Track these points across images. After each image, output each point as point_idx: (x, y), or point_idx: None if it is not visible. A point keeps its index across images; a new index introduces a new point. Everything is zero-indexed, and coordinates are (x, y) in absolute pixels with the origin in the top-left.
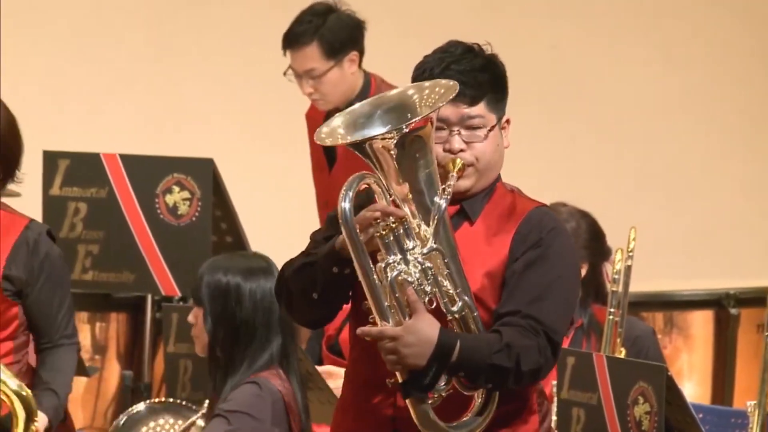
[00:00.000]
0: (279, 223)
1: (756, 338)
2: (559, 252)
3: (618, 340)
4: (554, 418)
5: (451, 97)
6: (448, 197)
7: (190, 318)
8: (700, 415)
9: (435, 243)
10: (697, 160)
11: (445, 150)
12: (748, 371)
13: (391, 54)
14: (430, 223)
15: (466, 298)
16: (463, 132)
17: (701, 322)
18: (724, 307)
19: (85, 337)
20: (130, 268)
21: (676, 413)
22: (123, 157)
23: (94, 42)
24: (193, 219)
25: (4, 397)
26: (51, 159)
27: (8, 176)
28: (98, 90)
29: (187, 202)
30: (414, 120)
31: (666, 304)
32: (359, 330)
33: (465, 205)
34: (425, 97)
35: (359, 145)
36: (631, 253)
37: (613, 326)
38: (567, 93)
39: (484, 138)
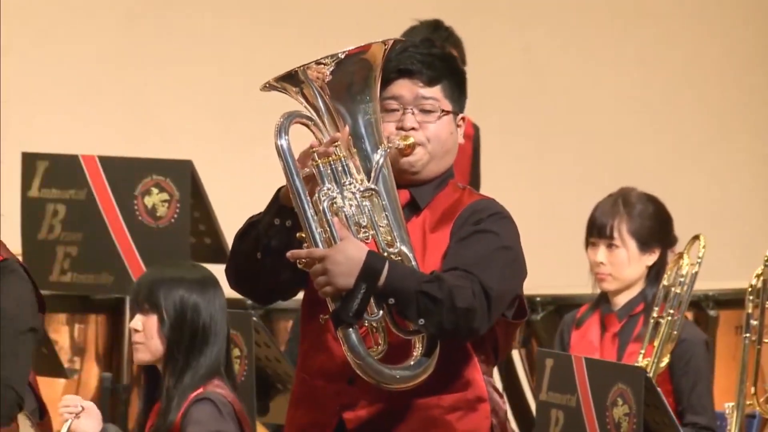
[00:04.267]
0: None
1: (735, 340)
2: (499, 231)
3: (669, 343)
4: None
5: (394, 39)
6: (388, 151)
7: (136, 324)
8: None
9: (374, 185)
10: (672, 161)
11: (397, 128)
12: (726, 373)
13: None
14: (371, 175)
15: (403, 247)
16: (416, 112)
17: None
18: (702, 309)
19: (63, 339)
20: (108, 269)
21: (654, 415)
22: (102, 158)
23: (72, 43)
24: (172, 221)
25: None
26: (30, 161)
27: None
28: (77, 92)
29: (166, 204)
30: (349, 48)
31: None
32: (289, 253)
33: (414, 192)
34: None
35: (294, 77)
36: (699, 260)
37: (668, 327)
38: (539, 95)
39: (436, 119)
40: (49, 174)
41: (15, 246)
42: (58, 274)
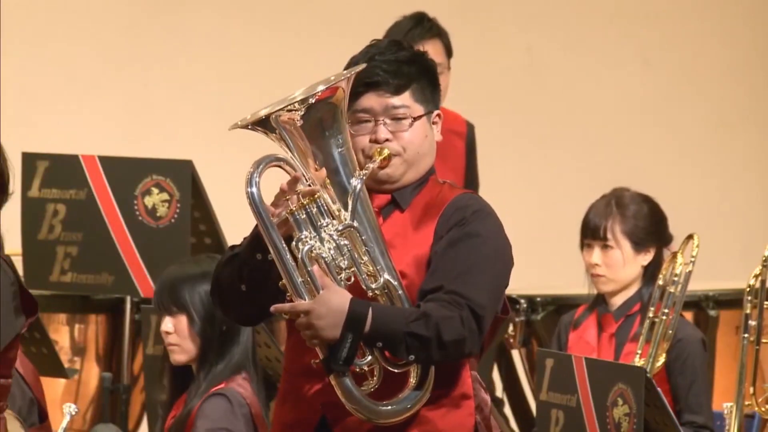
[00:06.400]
0: None
1: (734, 340)
2: (484, 232)
3: (664, 343)
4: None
5: (356, 71)
6: (363, 178)
7: (168, 327)
8: None
9: (352, 221)
10: (673, 162)
11: (371, 141)
12: (726, 373)
13: None
14: (348, 204)
15: (388, 276)
16: (389, 122)
17: None
18: (702, 309)
19: (64, 339)
20: (108, 269)
21: (655, 415)
22: (102, 158)
23: (72, 43)
24: (172, 221)
25: None
26: (30, 161)
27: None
28: (77, 92)
29: (166, 204)
30: (318, 90)
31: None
32: (273, 307)
33: (396, 195)
34: (334, 77)
35: (266, 123)
36: (693, 259)
37: (663, 326)
38: (540, 95)
39: (408, 127)
40: (49, 174)
41: (15, 246)
42: (58, 274)
